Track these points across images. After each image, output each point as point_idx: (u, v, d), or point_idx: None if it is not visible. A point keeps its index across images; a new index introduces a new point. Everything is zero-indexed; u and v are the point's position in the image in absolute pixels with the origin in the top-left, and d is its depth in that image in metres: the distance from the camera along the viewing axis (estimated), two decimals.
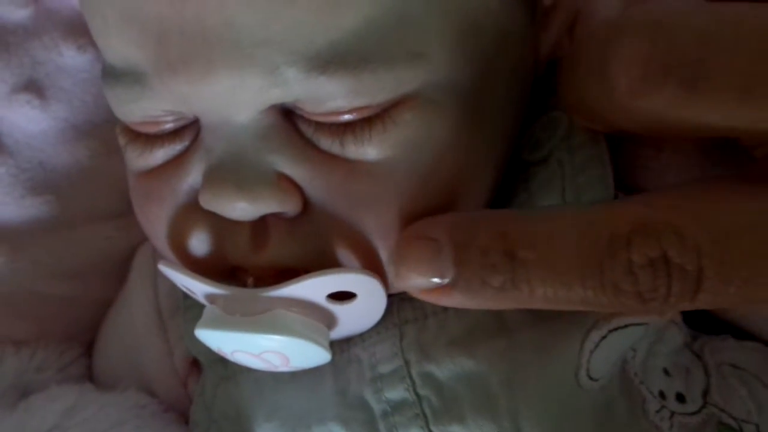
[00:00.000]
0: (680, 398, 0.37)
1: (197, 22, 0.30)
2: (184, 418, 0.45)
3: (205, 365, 0.44)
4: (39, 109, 0.47)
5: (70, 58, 0.47)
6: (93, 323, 0.51)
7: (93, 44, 0.47)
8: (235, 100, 0.32)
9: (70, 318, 0.51)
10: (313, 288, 0.33)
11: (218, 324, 0.34)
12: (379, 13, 0.31)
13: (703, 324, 0.41)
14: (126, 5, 0.32)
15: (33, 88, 0.46)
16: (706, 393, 0.37)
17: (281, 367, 0.36)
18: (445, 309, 0.37)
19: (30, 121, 0.47)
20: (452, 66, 0.33)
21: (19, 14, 0.47)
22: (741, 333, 0.40)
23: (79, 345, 0.51)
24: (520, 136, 0.40)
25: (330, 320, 0.35)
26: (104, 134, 0.48)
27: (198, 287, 0.35)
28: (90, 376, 0.51)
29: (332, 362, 0.37)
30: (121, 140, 0.38)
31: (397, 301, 0.37)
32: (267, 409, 0.39)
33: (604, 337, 0.34)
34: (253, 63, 0.31)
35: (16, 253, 0.47)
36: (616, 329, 0.34)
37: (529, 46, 0.38)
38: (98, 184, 0.49)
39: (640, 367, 0.37)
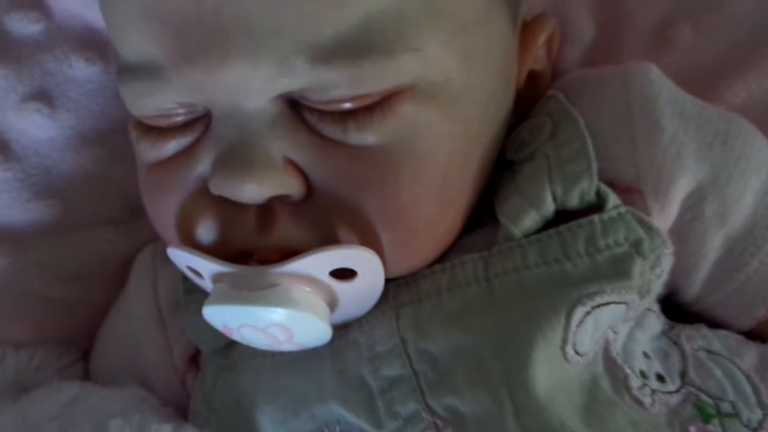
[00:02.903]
0: (660, 378, 0.39)
1: (215, 14, 0.33)
2: (182, 413, 0.47)
3: (206, 356, 0.45)
4: (48, 117, 0.49)
5: (79, 69, 0.50)
6: (91, 329, 0.53)
7: (101, 56, 0.50)
8: (247, 88, 0.35)
9: (69, 322, 0.52)
10: (316, 263, 0.36)
11: (226, 299, 0.36)
12: (379, 10, 0.34)
13: (678, 315, 0.44)
14: (147, 1, 0.35)
15: (43, 97, 0.49)
16: (683, 374, 0.40)
17: (285, 343, 0.38)
18: (439, 291, 0.39)
19: (39, 129, 0.49)
20: (444, 62, 0.36)
21: (32, 29, 0.49)
22: (713, 324, 0.43)
23: (77, 350, 0.53)
24: (505, 139, 0.43)
25: (332, 299, 0.37)
26: (109, 142, 0.51)
27: (206, 267, 0.37)
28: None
29: (331, 346, 0.39)
30: (133, 134, 0.40)
31: (393, 287, 0.40)
32: (268, 393, 0.41)
33: (588, 313, 0.37)
34: (265, 52, 0.34)
35: (19, 254, 0.49)
36: (599, 306, 0.37)
37: (511, 55, 0.42)
38: (101, 190, 0.51)
39: (622, 349, 0.40)
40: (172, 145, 0.39)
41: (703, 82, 0.47)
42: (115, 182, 0.51)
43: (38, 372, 0.49)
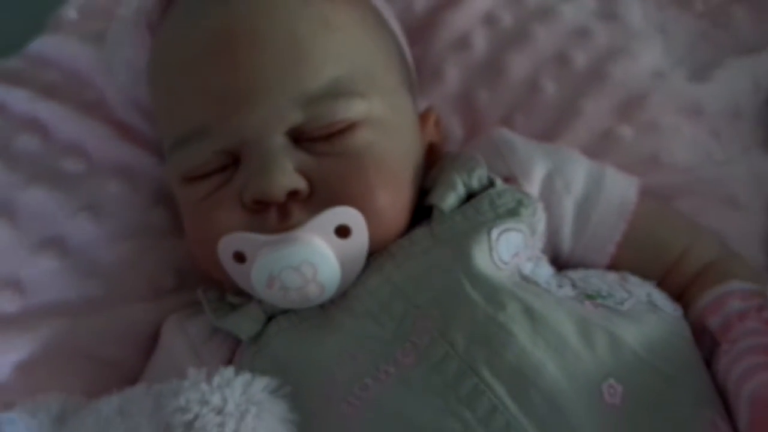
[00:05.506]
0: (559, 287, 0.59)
1: (247, 82, 0.57)
2: None
3: (239, 356, 0.60)
4: (95, 224, 0.67)
5: (114, 188, 0.69)
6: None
7: (129, 181, 0.70)
8: (270, 124, 0.57)
9: (109, 381, 0.64)
10: (324, 220, 0.56)
11: (271, 251, 0.54)
12: (340, 74, 0.59)
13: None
14: (200, 82, 0.58)
15: (91, 208, 0.68)
16: (574, 285, 0.60)
17: (311, 283, 0.55)
18: (403, 248, 0.59)
19: (87, 231, 0.67)
20: (382, 107, 0.61)
21: (77, 168, 0.69)
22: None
23: None
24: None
25: (336, 252, 0.56)
26: (140, 237, 0.69)
27: (255, 240, 0.55)
28: None
29: (339, 307, 0.57)
30: (180, 189, 0.61)
31: (372, 261, 0.59)
32: (300, 358, 0.57)
33: (501, 233, 0.58)
34: (279, 100, 0.57)
35: (75, 320, 0.64)
36: (507, 230, 0.58)
37: (415, 121, 0.67)
38: (132, 274, 0.68)
39: (531, 273, 0.59)
40: (213, 182, 0.59)
41: None
42: (144, 269, 0.68)
43: None
